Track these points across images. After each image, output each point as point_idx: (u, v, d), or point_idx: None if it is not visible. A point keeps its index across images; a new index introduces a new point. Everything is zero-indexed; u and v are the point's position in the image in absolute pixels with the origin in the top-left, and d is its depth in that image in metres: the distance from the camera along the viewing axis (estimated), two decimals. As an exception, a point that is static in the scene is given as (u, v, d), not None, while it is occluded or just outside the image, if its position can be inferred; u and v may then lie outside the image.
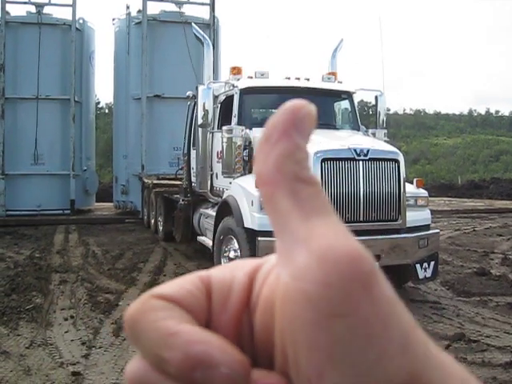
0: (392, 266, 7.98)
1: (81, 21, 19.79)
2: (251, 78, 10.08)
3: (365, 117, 11.21)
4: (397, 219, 8.08)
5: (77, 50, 19.30)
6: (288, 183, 0.41)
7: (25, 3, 19.19)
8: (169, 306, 0.42)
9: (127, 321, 0.42)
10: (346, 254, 0.37)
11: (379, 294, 0.38)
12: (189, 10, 19.33)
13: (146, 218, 16.87)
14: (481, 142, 73.52)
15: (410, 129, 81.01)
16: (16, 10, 19.45)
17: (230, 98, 9.96)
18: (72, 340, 6.52)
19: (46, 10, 19.25)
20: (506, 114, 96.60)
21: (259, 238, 7.55)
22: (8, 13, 18.84)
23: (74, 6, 19.17)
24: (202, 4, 19.40)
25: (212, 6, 19.24)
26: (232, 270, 0.47)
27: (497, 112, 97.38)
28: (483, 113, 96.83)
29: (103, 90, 66.47)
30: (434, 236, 8.69)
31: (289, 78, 10.26)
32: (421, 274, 8.29)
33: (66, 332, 6.83)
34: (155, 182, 15.55)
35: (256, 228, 7.74)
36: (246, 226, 8.00)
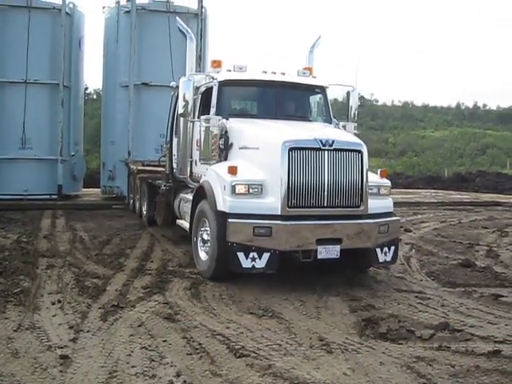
0: (354, 249, 8.73)
1: (71, 5, 19.58)
2: (230, 71, 10.49)
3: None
4: (359, 206, 8.58)
5: (66, 35, 19.11)
6: None
7: (15, -13, 18.96)
8: None
9: None
10: None
11: None
12: (177, 0, 19.60)
13: (131, 202, 17.20)
14: (468, 135, 73.83)
15: (398, 120, 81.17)
16: (5, -7, 19.10)
17: (209, 90, 10.42)
18: (60, 324, 6.54)
19: (36, -7, 19.04)
20: (494, 107, 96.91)
21: (229, 220, 8.21)
22: (-3, -5, 18.63)
23: (64, -10, 18.98)
24: None
25: None
26: None
27: (484, 106, 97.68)
28: (471, 106, 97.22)
29: (91, 75, 65.77)
30: (394, 223, 9.25)
31: (265, 72, 10.71)
32: (381, 258, 8.92)
33: (53, 316, 6.85)
34: (140, 168, 16.02)
35: (227, 210, 8.36)
36: (218, 208, 8.57)
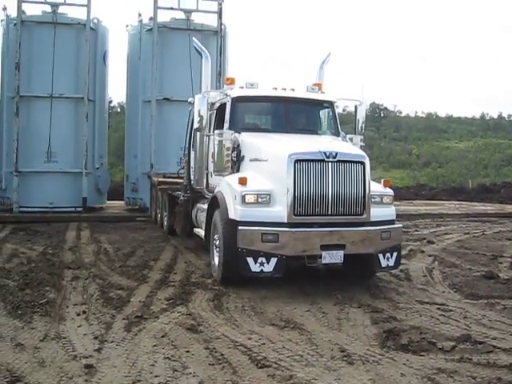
0: (358, 255, 9.23)
1: (95, 20, 19.99)
2: (242, 88, 11.07)
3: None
4: (362, 214, 9.07)
5: (91, 50, 19.54)
6: None
7: (40, 3, 19.49)
8: None
9: None
10: None
11: None
12: (198, 18, 20.36)
13: (153, 213, 17.75)
14: (492, 145, 73.04)
15: (422, 131, 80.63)
16: (32, 10, 19.63)
17: (223, 106, 11.05)
18: (85, 334, 6.66)
19: (61, 9, 19.47)
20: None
21: (239, 227, 8.77)
22: (24, 12, 19.07)
23: (88, 5, 19.38)
24: (210, 12, 20.31)
25: (219, 13, 20.18)
26: None
27: (509, 116, 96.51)
28: (495, 116, 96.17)
29: (116, 89, 66.72)
30: (396, 230, 9.71)
31: (276, 88, 11.25)
32: (383, 263, 9.36)
33: (78, 326, 6.97)
34: (160, 179, 16.60)
35: (237, 218, 8.94)
36: (229, 217, 9.16)
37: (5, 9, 19.36)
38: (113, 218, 19.07)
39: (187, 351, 6.12)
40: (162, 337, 6.61)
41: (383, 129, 77.48)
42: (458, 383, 5.37)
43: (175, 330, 6.87)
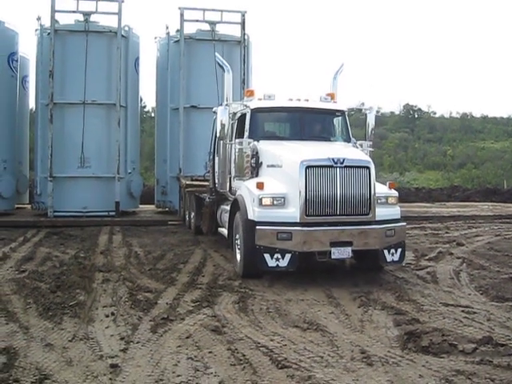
0: (365, 251, 10.23)
1: (126, 28, 20.33)
2: (260, 99, 12.15)
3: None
4: (368, 213, 9.99)
5: (122, 57, 19.90)
6: None
7: (73, 12, 19.82)
8: None
9: None
10: None
11: None
12: (222, 29, 21.29)
13: (182, 213, 18.87)
14: (529, 145, 71.80)
15: (457, 132, 79.54)
16: (65, 19, 20.04)
17: (244, 116, 12.07)
18: (112, 335, 6.86)
19: (93, 17, 19.85)
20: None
21: (257, 227, 9.75)
22: (57, 21, 19.51)
23: (119, 13, 19.74)
24: (234, 23, 21.24)
25: (242, 24, 21.11)
26: None
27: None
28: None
29: (150, 95, 67.70)
30: (400, 228, 10.57)
31: (291, 99, 12.22)
32: (388, 258, 10.29)
33: (106, 327, 7.19)
34: (188, 182, 17.39)
35: (255, 219, 9.92)
36: (248, 217, 10.13)
37: (39, 19, 19.80)
38: (145, 221, 19.38)
39: (210, 352, 6.27)
40: (187, 338, 6.77)
41: (417, 130, 76.62)
42: (476, 385, 5.40)
43: (200, 332, 7.02)
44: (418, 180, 51.58)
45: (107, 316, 7.71)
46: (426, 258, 12.52)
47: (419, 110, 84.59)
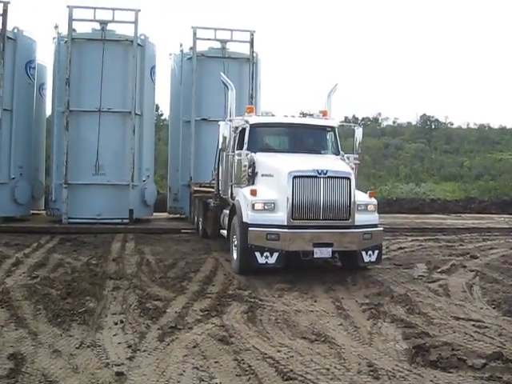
0: (345, 251, 11.67)
1: (142, 37, 20.43)
2: (259, 115, 13.91)
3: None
4: (348, 219, 11.26)
5: (138, 65, 20.00)
6: None
7: (90, 21, 19.99)
8: None
9: None
10: None
11: None
12: (232, 47, 22.58)
13: (191, 217, 19.80)
14: (548, 157, 71.08)
15: (474, 143, 78.96)
16: (82, 28, 20.24)
17: (244, 130, 13.32)
18: (119, 343, 6.87)
19: (110, 26, 20.00)
20: None
21: (249, 228, 11.06)
22: (74, 30, 19.69)
23: (136, 22, 19.88)
24: (243, 42, 22.33)
25: (251, 43, 22.17)
26: None
27: None
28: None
29: (167, 103, 68.01)
30: (377, 232, 11.83)
31: (287, 116, 14.02)
32: (366, 259, 11.55)
33: (114, 335, 7.20)
34: (196, 188, 18.62)
35: (249, 222, 11.22)
36: (243, 220, 11.41)
37: (56, 27, 19.98)
38: (158, 229, 19.39)
39: (216, 361, 6.26)
40: (194, 347, 6.76)
41: (434, 140, 76.03)
42: (483, 400, 5.34)
43: (207, 341, 7.01)
44: (435, 191, 51.06)
45: (116, 323, 7.72)
46: (439, 270, 12.42)
47: (436, 120, 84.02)
